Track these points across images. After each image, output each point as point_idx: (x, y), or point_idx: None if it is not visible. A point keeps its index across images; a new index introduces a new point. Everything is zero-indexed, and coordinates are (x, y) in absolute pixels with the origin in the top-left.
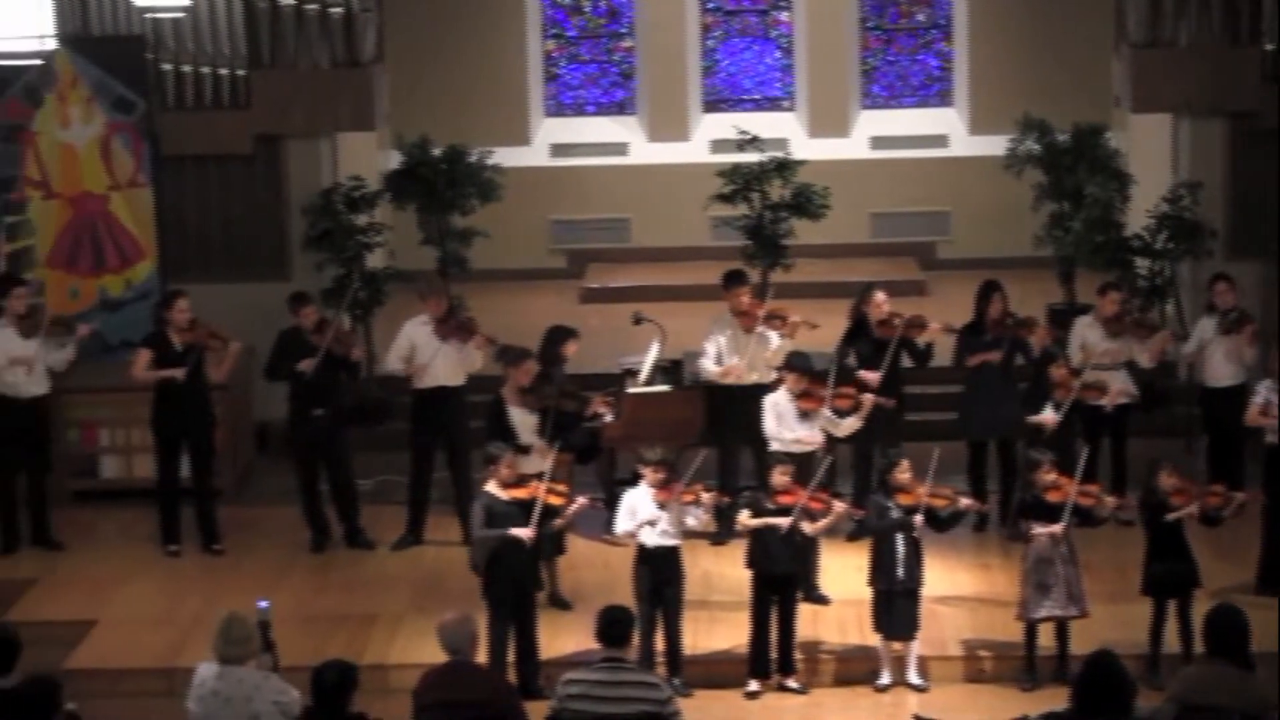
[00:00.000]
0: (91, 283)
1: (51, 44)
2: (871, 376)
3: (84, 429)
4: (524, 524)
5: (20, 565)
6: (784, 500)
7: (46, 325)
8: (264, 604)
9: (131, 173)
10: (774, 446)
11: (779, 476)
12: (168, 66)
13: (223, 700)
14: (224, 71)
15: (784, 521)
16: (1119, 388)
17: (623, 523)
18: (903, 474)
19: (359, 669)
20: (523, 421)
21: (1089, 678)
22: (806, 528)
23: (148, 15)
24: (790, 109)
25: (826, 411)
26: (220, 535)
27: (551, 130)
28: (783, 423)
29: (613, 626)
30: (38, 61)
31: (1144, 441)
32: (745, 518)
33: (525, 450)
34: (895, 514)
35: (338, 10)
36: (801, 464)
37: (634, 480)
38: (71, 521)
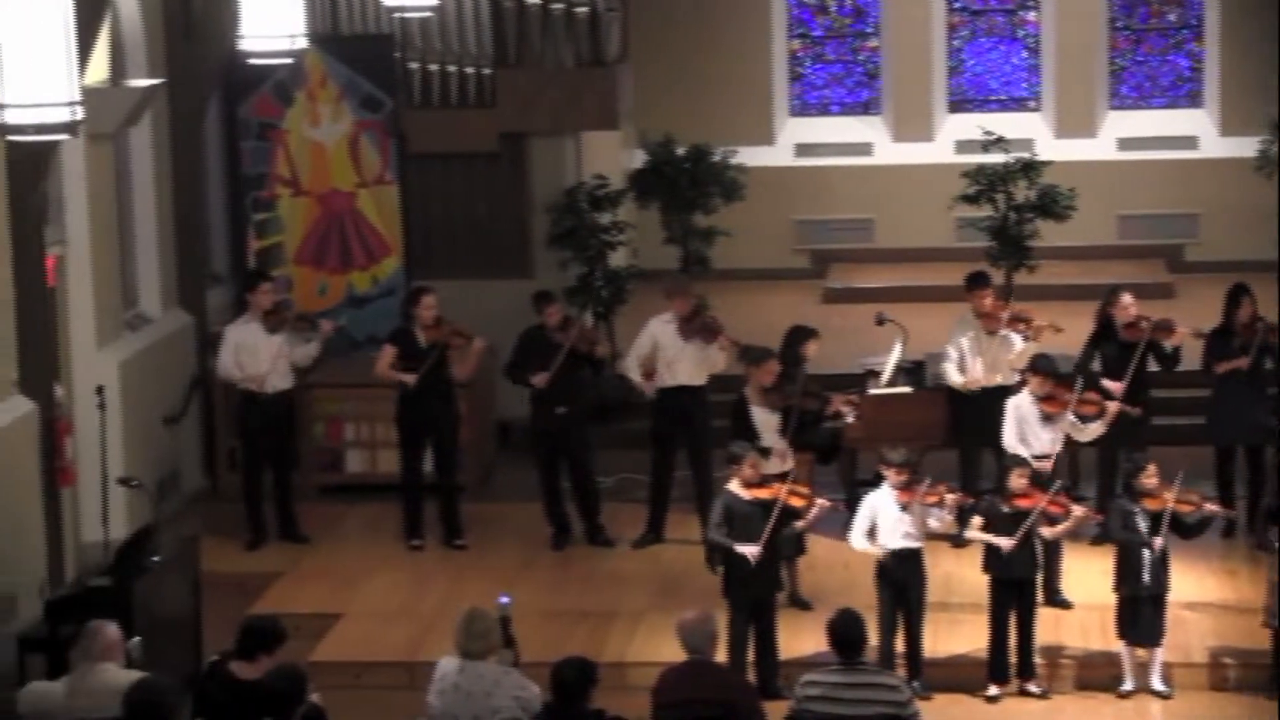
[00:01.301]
0: (339, 279)
1: (302, 43)
2: (1115, 387)
3: (329, 424)
4: (764, 523)
5: (266, 559)
6: (1022, 504)
7: (292, 321)
8: (505, 599)
9: (379, 170)
10: (1018, 452)
11: (1017, 480)
12: (415, 65)
13: (463, 695)
14: (470, 70)
15: (1007, 543)
16: None
17: (860, 534)
18: (1149, 479)
19: (598, 666)
20: (765, 421)
21: None
22: (1045, 532)
23: (396, 15)
24: (1036, 109)
25: (1070, 415)
26: (463, 531)
27: (796, 130)
28: (1025, 426)
29: (842, 639)
30: (288, 60)
31: None
32: (976, 525)
33: (766, 454)
34: (1140, 520)
35: (583, 9)
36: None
37: (875, 481)
38: (317, 516)
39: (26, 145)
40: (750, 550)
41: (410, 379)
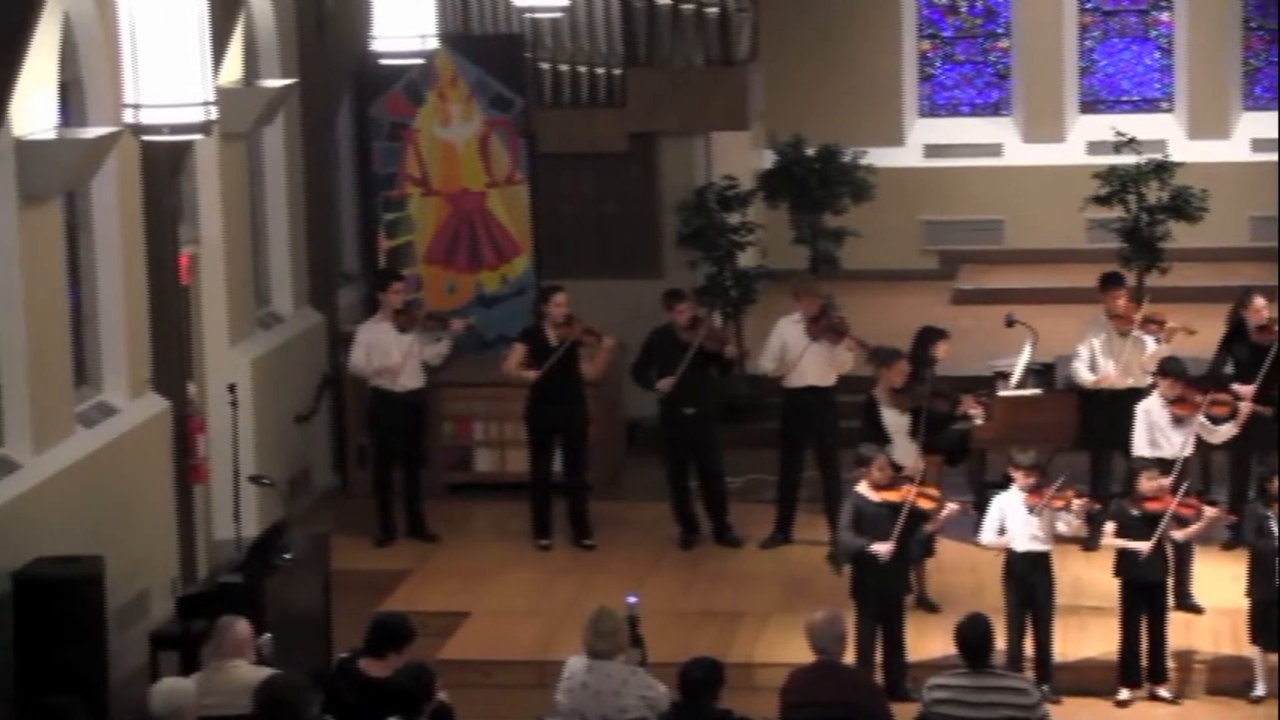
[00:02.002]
0: (468, 278)
1: (433, 43)
2: (1246, 390)
3: (458, 423)
4: (893, 525)
5: (396, 556)
6: (1152, 506)
7: (423, 320)
8: (633, 599)
9: (509, 170)
10: (1144, 454)
11: (1147, 482)
12: (545, 65)
13: (591, 694)
14: (600, 70)
15: (1143, 546)
16: None
17: (990, 532)
18: None
19: (726, 666)
20: (894, 422)
21: None
22: (1176, 534)
23: (526, 14)
24: (1169, 110)
25: (1201, 418)
26: (591, 530)
27: (925, 130)
28: (1156, 429)
29: (970, 643)
30: (419, 60)
31: None
32: (1110, 532)
33: (899, 470)
34: (1275, 524)
35: (713, 9)
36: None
37: (1004, 484)
38: (445, 514)
39: (161, 145)
40: (883, 548)
41: (534, 374)
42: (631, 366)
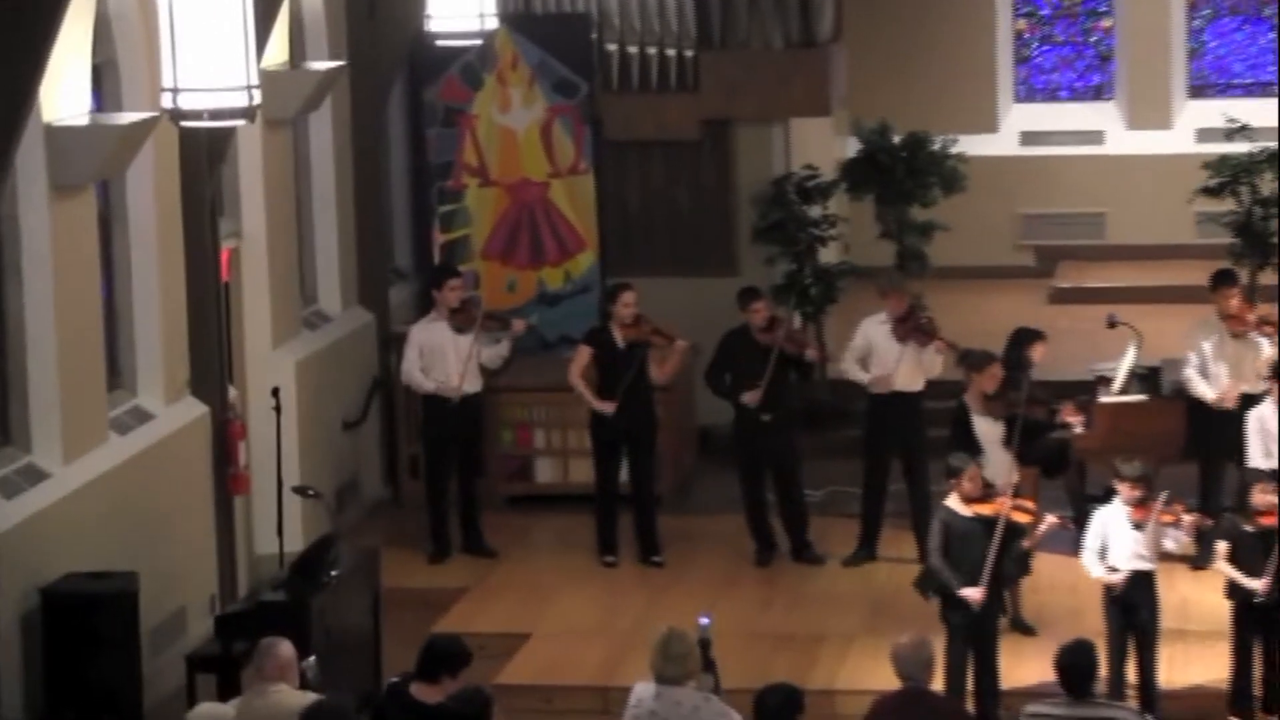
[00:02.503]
0: (529, 275)
1: (492, 23)
2: None
3: (518, 430)
4: (987, 540)
5: (451, 573)
6: (1265, 522)
7: (480, 319)
8: (705, 620)
9: (573, 159)
10: (1258, 465)
11: (1261, 496)
12: (612, 47)
13: None
14: (671, 52)
15: (1260, 584)
16: None
17: (1092, 554)
18: None
19: (804, 693)
20: (987, 431)
21: None
22: None
23: None
24: None
25: None
26: (660, 546)
27: (1021, 117)
28: (1269, 438)
29: (1071, 672)
30: (478, 41)
31: None
32: (1222, 553)
33: (991, 483)
34: None
35: None
36: None
37: (1106, 497)
38: (504, 528)
39: (201, 132)
40: (973, 595)
41: (609, 408)
42: (706, 371)
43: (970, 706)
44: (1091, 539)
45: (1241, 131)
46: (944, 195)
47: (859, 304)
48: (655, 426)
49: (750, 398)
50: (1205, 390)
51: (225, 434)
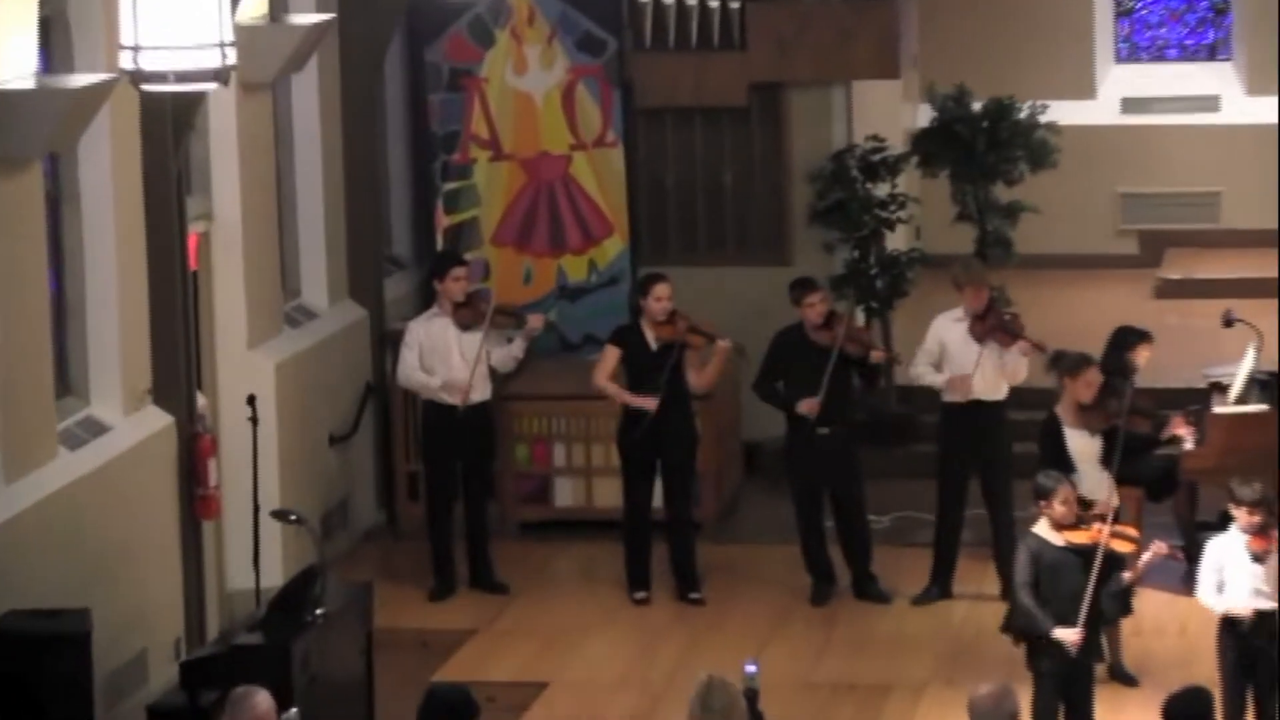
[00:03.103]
0: (548, 264)
1: None
2: None
3: (534, 445)
4: (1082, 573)
5: (456, 612)
6: None
7: (490, 315)
8: (752, 668)
9: (599, 129)
10: None
11: None
12: None
13: None
14: (714, 4)
15: None
16: None
17: (1210, 590)
18: None
19: None
20: (1082, 447)
21: None
22: None
23: None
24: None
25: None
26: (699, 581)
27: (1122, 80)
28: None
29: None
30: None
31: None
32: None
33: (1088, 506)
34: None
35: None
36: None
37: (1221, 524)
38: (518, 559)
39: (166, 97)
40: (1069, 636)
41: (650, 404)
42: (756, 378)
43: None
44: (1207, 573)
45: None
46: (1031, 171)
47: (932, 298)
48: (694, 441)
49: (806, 407)
50: None
51: (193, 449)
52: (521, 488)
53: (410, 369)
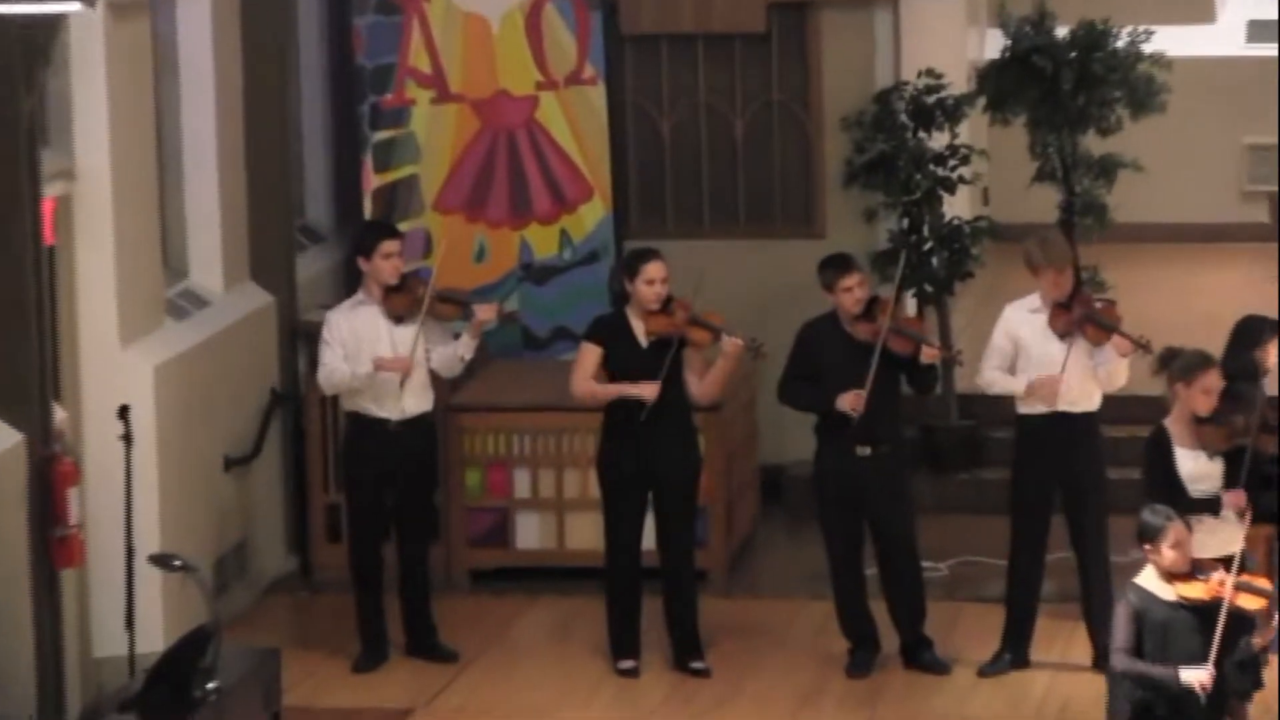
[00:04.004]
0: (508, 237)
1: None
2: None
3: (489, 471)
4: (1200, 637)
5: (388, 687)
6: None
7: (430, 303)
8: None
9: (574, 63)
10: None
11: None
12: None
13: None
14: None
15: None
16: None
17: None
18: None
19: None
20: (1199, 471)
21: None
22: None
23: None
24: None
25: None
26: (703, 646)
27: (1250, 2)
28: None
29: None
30: None
31: None
32: None
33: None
34: None
35: None
36: None
37: None
38: (469, 618)
39: (13, 23)
40: (1200, 675)
41: (651, 392)
42: (780, 383)
43: None
44: None
45: None
46: (1133, 117)
47: (1003, 281)
48: (697, 467)
49: (849, 402)
50: None
51: (48, 477)
52: (473, 526)
53: (331, 370)
